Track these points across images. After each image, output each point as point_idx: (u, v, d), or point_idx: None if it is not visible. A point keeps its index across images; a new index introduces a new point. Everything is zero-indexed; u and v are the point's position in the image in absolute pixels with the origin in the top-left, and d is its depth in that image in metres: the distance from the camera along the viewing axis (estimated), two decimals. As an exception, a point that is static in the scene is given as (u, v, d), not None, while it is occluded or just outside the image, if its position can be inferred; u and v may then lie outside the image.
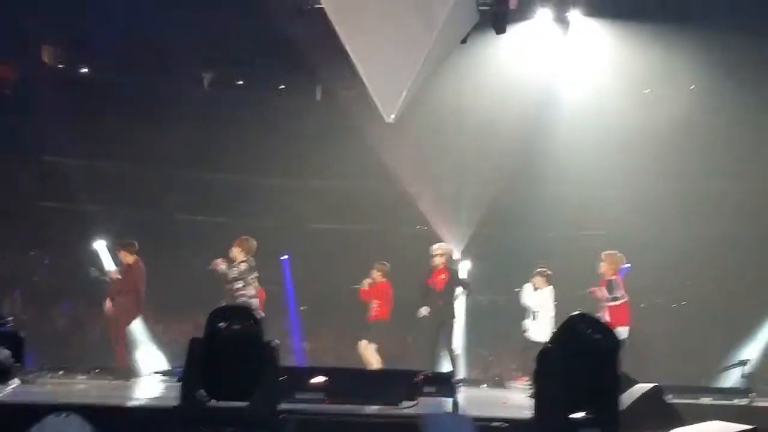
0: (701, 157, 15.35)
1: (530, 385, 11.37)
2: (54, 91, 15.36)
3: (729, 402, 9.19)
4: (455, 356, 12.37)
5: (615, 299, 11.46)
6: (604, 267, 11.73)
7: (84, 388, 9.15)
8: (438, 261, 12.48)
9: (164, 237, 14.98)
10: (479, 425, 5.60)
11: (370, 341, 12.58)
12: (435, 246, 12.75)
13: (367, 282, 12.84)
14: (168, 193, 16.66)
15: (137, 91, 16.21)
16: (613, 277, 11.65)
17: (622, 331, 10.16)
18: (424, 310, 12.26)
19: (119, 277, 12.05)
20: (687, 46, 14.29)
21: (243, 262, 11.38)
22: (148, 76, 16.27)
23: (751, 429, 5.64)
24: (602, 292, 11.52)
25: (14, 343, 4.96)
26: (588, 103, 15.39)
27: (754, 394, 9.80)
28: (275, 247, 15.39)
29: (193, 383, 5.36)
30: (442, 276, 12.50)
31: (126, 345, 11.98)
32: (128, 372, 11.22)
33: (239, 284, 11.21)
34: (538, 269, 12.93)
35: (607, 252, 11.86)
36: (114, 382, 10.18)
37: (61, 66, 16.66)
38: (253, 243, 11.58)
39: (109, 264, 12.66)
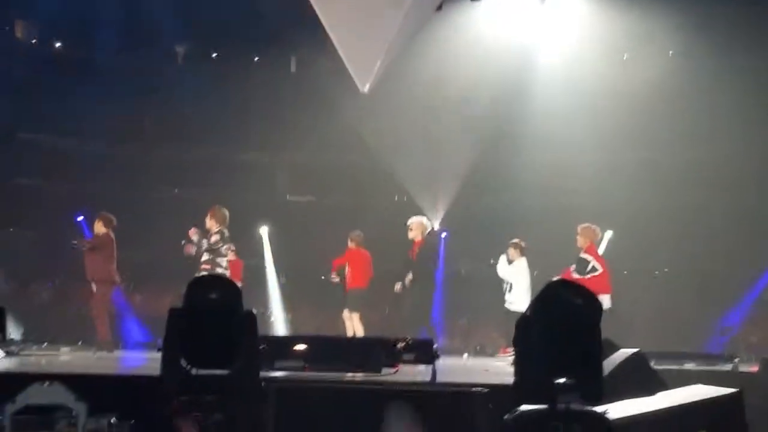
0: (679, 122, 15.40)
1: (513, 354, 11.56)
2: (28, 67, 15.26)
3: (712, 368, 9.14)
4: (434, 325, 12.44)
5: (590, 273, 11.56)
6: (580, 241, 11.80)
7: (67, 359, 9.19)
8: (412, 235, 12.51)
9: (142, 211, 14.94)
10: (461, 392, 5.66)
11: (350, 310, 12.68)
12: (409, 221, 12.78)
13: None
14: (144, 168, 16.62)
15: (111, 66, 16.11)
16: (583, 255, 11.72)
17: (604, 299, 10.23)
18: (398, 286, 12.33)
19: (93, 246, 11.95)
20: (665, 11, 14.32)
21: (216, 233, 11.26)
22: (121, 51, 16.17)
23: (735, 392, 5.67)
24: (573, 275, 11.55)
25: (-4, 315, 4.97)
26: (566, 70, 15.44)
27: (737, 359, 9.81)
28: (253, 219, 15.43)
29: (173, 352, 5.40)
30: (418, 249, 12.52)
31: (108, 317, 11.96)
32: (110, 344, 11.24)
33: (210, 256, 11.11)
34: (512, 241, 13.00)
35: (583, 225, 11.92)
36: (97, 353, 10.21)
37: (34, 41, 16.52)
38: (225, 212, 11.44)
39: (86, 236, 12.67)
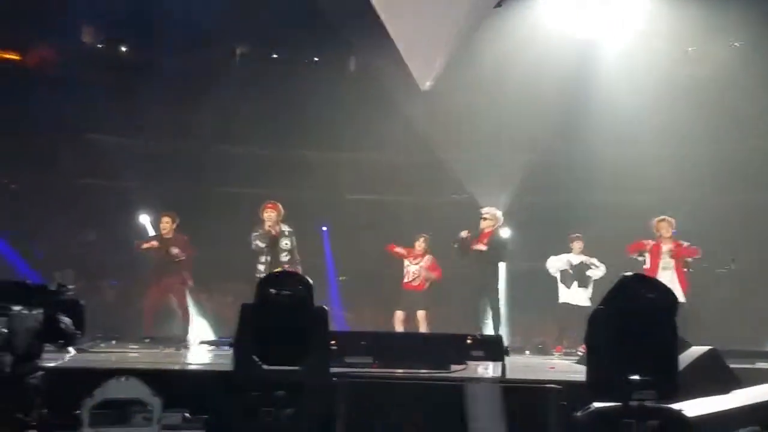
0: (745, 116, 15.07)
1: (571, 353, 11.50)
2: (94, 70, 15.58)
3: None
4: (500, 320, 12.35)
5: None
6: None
7: (137, 356, 9.34)
8: (485, 224, 12.40)
9: (203, 210, 15.11)
10: (533, 388, 5.63)
11: (416, 309, 12.79)
12: (484, 210, 12.69)
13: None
14: (205, 167, 16.81)
15: (174, 67, 16.34)
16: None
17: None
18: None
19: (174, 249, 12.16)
20: (729, 1, 14.04)
21: (290, 233, 11.49)
22: (182, 52, 16.38)
23: None
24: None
25: (75, 311, 5.09)
26: (629, 64, 15.16)
27: None
28: (313, 219, 15.53)
29: (245, 348, 5.46)
30: (487, 240, 12.44)
31: (188, 315, 12.23)
32: (178, 341, 11.42)
33: (290, 257, 11.34)
34: (575, 234, 13.03)
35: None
36: (165, 350, 10.37)
37: (100, 46, 16.88)
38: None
39: (152, 236, 12.90)
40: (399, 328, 12.80)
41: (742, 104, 14.85)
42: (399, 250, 13.25)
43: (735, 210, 15.23)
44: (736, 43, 15.31)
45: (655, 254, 11.96)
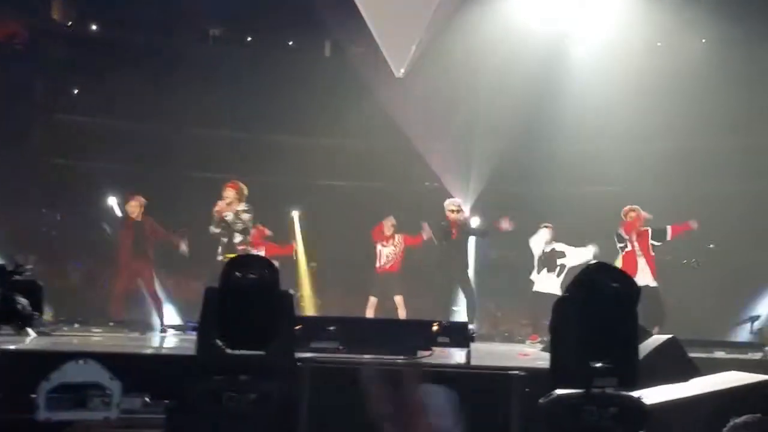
0: (712, 111, 15.20)
1: (541, 342, 11.54)
2: (64, 48, 15.39)
3: (743, 356, 9.06)
4: (473, 306, 12.34)
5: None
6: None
7: (100, 339, 9.24)
8: (456, 216, 12.41)
9: (173, 194, 15.00)
10: (497, 375, 5.64)
11: (389, 294, 12.79)
12: (448, 201, 12.68)
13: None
14: (176, 151, 16.67)
15: (145, 48, 16.18)
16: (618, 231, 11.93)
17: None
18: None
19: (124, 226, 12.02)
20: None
21: (245, 211, 11.16)
22: (155, 33, 16.22)
23: None
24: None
25: (32, 292, 4.97)
26: (599, 58, 15.28)
27: (767, 348, 9.76)
28: (284, 204, 15.46)
29: (208, 332, 5.39)
30: (458, 229, 12.49)
31: (158, 300, 12.07)
32: (144, 325, 11.32)
33: (243, 236, 11.04)
34: (546, 224, 13.08)
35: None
36: (130, 334, 10.29)
37: (70, 23, 16.64)
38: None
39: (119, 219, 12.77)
40: (370, 313, 12.76)
41: (709, 99, 14.97)
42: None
43: (702, 203, 15.35)
44: (703, 39, 15.41)
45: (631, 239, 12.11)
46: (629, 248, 11.91)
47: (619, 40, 15.23)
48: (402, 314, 12.64)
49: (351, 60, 15.94)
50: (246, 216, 11.07)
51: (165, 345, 9.23)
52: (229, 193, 11.14)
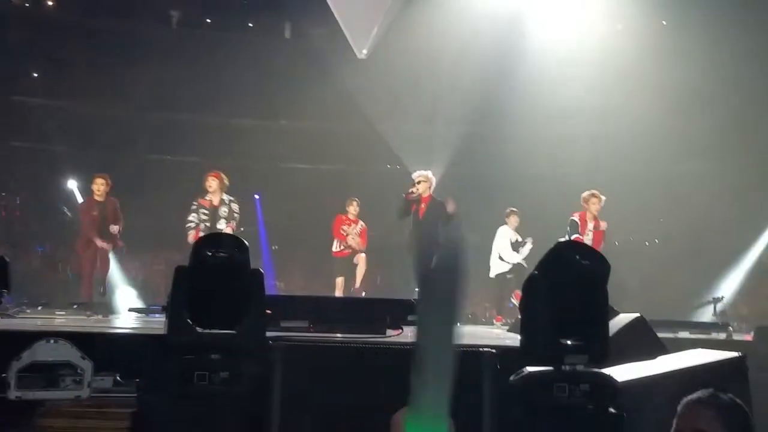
0: (672, 93, 15.39)
1: (506, 324, 11.61)
2: (21, 29, 15.09)
3: (707, 336, 9.13)
4: None
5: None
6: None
7: (65, 321, 9.14)
8: (421, 188, 11.35)
9: (135, 177, 14.85)
10: (468, 352, 5.66)
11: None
12: (415, 175, 11.70)
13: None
14: (137, 134, 16.51)
15: (105, 30, 15.96)
16: (572, 217, 11.82)
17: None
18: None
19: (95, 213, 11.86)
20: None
21: (233, 202, 11.31)
22: (115, 14, 16.00)
23: (738, 356, 5.71)
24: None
25: (-2, 267, 4.88)
26: (558, 39, 15.38)
27: (731, 328, 9.86)
28: (246, 187, 15.37)
29: (179, 311, 5.36)
30: (424, 205, 11.50)
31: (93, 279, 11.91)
32: (105, 308, 11.18)
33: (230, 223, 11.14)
34: (511, 209, 13.12)
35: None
36: (93, 317, 10.17)
37: (27, 4, 16.33)
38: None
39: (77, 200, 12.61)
40: (339, 294, 12.70)
41: (669, 80, 15.13)
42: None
43: (660, 183, 15.59)
44: (663, 21, 15.58)
45: (582, 226, 12.03)
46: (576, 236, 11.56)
47: (579, 23, 15.34)
48: (361, 271, 12.63)
49: (312, 42, 15.86)
50: (236, 206, 11.25)
51: (132, 326, 9.14)
52: (213, 183, 11.25)
